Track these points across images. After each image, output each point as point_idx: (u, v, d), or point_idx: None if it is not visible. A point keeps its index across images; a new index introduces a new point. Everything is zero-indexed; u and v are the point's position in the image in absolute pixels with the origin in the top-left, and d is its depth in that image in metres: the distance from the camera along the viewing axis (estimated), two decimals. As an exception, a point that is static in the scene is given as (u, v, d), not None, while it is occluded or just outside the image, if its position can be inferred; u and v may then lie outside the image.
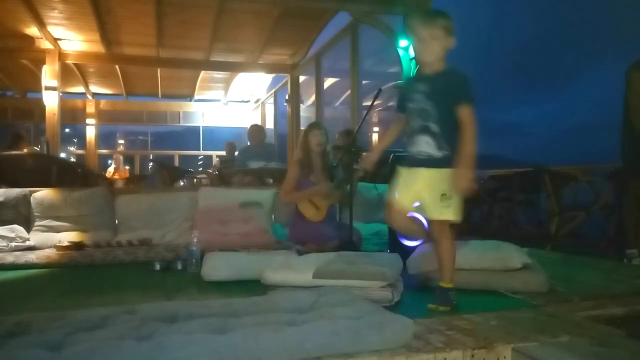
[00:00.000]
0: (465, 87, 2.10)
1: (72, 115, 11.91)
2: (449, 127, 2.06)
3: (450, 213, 2.06)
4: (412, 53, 5.32)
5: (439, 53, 2.10)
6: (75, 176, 6.00)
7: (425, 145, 2.09)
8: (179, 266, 3.15)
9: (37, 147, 7.56)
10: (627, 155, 3.63)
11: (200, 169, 12.19)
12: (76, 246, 3.58)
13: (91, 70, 10.07)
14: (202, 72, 10.10)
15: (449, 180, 2.03)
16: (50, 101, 7.97)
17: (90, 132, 12.28)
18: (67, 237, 3.83)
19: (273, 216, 4.31)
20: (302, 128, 7.44)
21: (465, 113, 2.04)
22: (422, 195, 2.11)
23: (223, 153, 9.41)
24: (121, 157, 10.70)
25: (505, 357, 1.60)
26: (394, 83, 5.60)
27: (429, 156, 2.09)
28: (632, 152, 3.58)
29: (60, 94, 8.27)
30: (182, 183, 8.22)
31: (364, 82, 7.20)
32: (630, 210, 3.64)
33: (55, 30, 7.59)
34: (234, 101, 12.74)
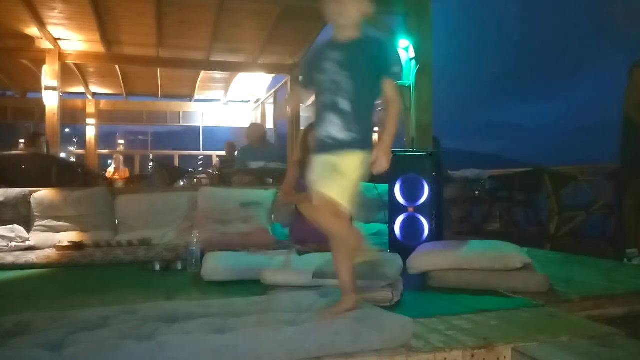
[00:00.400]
0: (390, 58, 1.85)
1: (72, 115, 11.90)
2: (362, 105, 1.79)
3: (333, 189, 1.71)
4: (412, 53, 5.33)
5: (356, 16, 1.83)
6: (75, 176, 6.00)
7: (331, 126, 1.78)
8: (179, 266, 3.16)
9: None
10: (627, 154, 3.63)
11: (200, 169, 12.19)
12: (76, 246, 3.58)
13: (91, 70, 10.06)
14: (202, 72, 10.09)
15: (348, 161, 1.75)
16: (50, 101, 7.97)
17: (90, 132, 12.27)
18: (67, 237, 3.83)
19: (273, 216, 4.31)
20: (302, 128, 7.44)
21: (390, 89, 1.81)
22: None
23: (223, 153, 9.40)
24: (121, 157, 10.69)
25: (505, 357, 1.60)
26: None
27: (334, 140, 1.77)
28: (632, 151, 3.59)
29: (60, 94, 8.26)
30: (182, 183, 8.22)
31: (364, 82, 7.18)
32: (630, 209, 3.65)
33: (55, 30, 7.58)
34: (234, 101, 12.73)
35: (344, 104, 1.76)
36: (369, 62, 1.80)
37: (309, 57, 1.95)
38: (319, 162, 1.81)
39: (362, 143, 1.77)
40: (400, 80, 1.86)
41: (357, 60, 1.80)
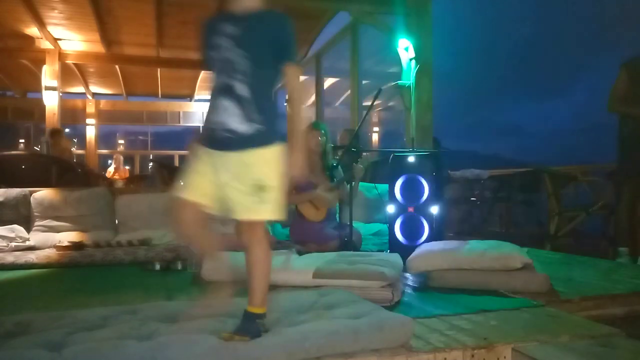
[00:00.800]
0: (291, 39, 1.58)
1: (72, 115, 11.91)
2: (264, 90, 1.54)
3: (266, 210, 1.53)
4: (412, 53, 5.33)
5: None
6: (75, 176, 5.99)
7: (228, 114, 1.51)
8: (179, 266, 3.16)
9: (37, 147, 7.60)
10: (620, 154, 3.66)
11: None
12: (76, 246, 3.58)
13: (91, 70, 10.07)
14: (202, 72, 10.08)
15: (264, 164, 1.51)
16: (50, 101, 7.97)
17: (90, 132, 12.28)
18: (67, 237, 3.83)
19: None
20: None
21: (292, 75, 1.57)
22: (226, 190, 1.52)
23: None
24: (121, 157, 10.68)
25: (505, 357, 1.60)
26: (394, 83, 5.60)
27: (233, 132, 1.51)
28: (624, 151, 3.62)
29: (60, 94, 8.27)
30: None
31: (364, 82, 7.20)
32: (623, 208, 3.68)
33: (55, 30, 7.58)
34: (234, 101, 12.75)
35: (241, 88, 1.50)
36: (269, 39, 1.53)
37: (201, 31, 1.66)
38: (214, 157, 1.54)
39: (270, 136, 1.52)
40: (292, 61, 1.57)
41: (256, 37, 1.52)
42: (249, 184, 1.50)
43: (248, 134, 1.50)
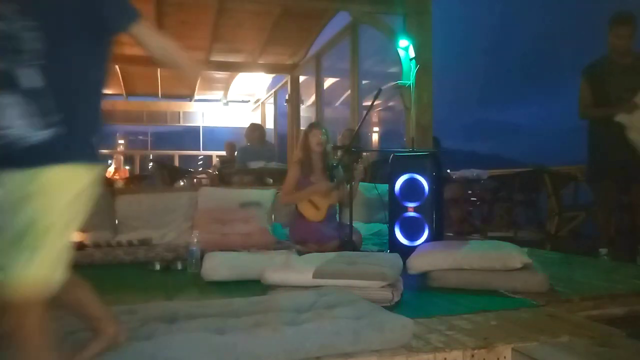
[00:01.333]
0: None
1: (72, 115, 11.91)
2: (72, 77, 1.11)
3: (32, 263, 1.04)
4: (412, 53, 5.33)
5: None
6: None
7: (9, 116, 1.04)
8: (179, 266, 3.16)
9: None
10: (590, 158, 3.72)
11: (200, 169, 12.19)
12: (76, 246, 3.58)
13: (91, 70, 10.07)
14: (202, 72, 10.09)
15: (54, 191, 1.05)
16: (50, 101, 7.98)
17: (90, 132, 12.28)
18: (67, 237, 3.83)
19: (273, 216, 4.31)
20: (302, 128, 7.45)
21: (144, 34, 1.27)
22: None
23: (223, 153, 9.42)
24: (121, 157, 10.69)
25: (505, 357, 1.60)
26: (394, 83, 5.59)
27: (17, 141, 1.05)
28: (593, 154, 3.66)
29: (60, 94, 8.26)
30: (182, 183, 8.22)
31: (364, 82, 7.19)
32: (599, 211, 3.73)
33: (55, 30, 7.59)
34: (234, 101, 12.73)
35: (30, 77, 1.05)
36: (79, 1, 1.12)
37: None
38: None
39: (76, 146, 1.10)
40: (137, 18, 1.22)
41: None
42: (14, 220, 1.00)
43: (40, 143, 1.04)
